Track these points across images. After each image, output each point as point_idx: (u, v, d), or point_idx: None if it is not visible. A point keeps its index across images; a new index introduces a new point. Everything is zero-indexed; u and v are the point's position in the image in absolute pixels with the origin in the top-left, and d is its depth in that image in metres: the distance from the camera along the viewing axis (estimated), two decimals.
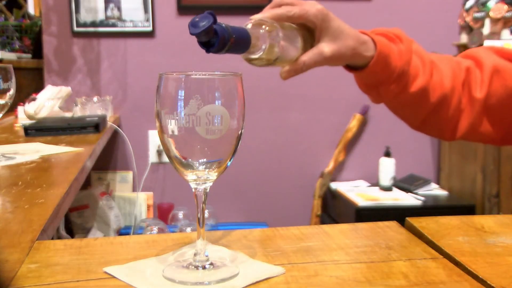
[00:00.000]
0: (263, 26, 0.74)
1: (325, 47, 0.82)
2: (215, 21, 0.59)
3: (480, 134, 0.97)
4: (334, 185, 2.59)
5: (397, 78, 0.89)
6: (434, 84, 0.92)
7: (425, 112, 0.95)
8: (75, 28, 2.47)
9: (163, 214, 2.49)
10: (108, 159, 2.54)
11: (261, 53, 0.74)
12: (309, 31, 0.83)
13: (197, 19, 0.57)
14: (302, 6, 0.81)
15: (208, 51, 0.60)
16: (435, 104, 0.93)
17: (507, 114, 0.95)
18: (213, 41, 0.60)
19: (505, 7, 2.27)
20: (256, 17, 0.78)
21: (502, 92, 0.93)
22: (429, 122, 0.97)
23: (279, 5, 0.80)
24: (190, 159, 0.53)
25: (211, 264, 0.54)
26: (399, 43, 0.90)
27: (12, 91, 1.16)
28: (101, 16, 2.47)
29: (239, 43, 0.64)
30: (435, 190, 2.53)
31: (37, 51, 2.65)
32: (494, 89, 0.93)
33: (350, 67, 0.91)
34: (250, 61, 0.77)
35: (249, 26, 0.75)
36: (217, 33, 0.59)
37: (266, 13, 0.78)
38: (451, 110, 0.95)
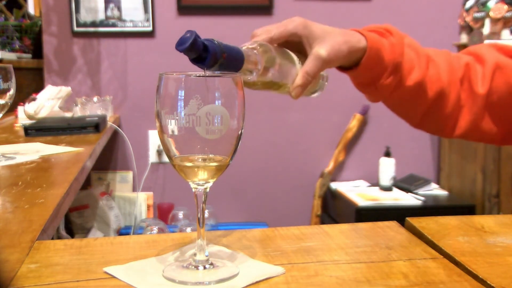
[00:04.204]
0: (257, 47, 0.74)
1: (320, 49, 0.81)
2: (197, 35, 0.59)
3: (481, 132, 0.96)
4: (334, 185, 2.59)
5: (391, 72, 0.89)
6: (430, 77, 0.91)
7: (424, 108, 0.94)
8: (75, 28, 2.47)
9: (163, 214, 2.49)
10: (108, 159, 2.54)
11: (256, 74, 0.73)
12: (298, 50, 0.83)
13: (181, 38, 0.58)
14: (278, 24, 0.81)
15: (199, 66, 0.60)
16: (433, 98, 0.93)
17: (508, 112, 0.94)
18: (205, 56, 0.60)
19: (505, 7, 2.27)
20: (245, 45, 0.77)
21: (504, 89, 0.92)
22: (429, 118, 0.96)
23: (257, 34, 0.80)
24: None
25: (211, 264, 0.54)
26: (389, 36, 0.89)
27: (12, 91, 1.16)
28: (101, 16, 2.47)
29: (232, 59, 0.65)
30: (435, 190, 2.53)
31: (37, 51, 2.65)
32: (496, 86, 0.92)
33: (343, 68, 0.89)
34: (248, 86, 0.76)
35: (243, 48, 0.74)
36: (208, 49, 0.59)
37: (252, 42, 0.78)
38: (450, 106, 0.94)
